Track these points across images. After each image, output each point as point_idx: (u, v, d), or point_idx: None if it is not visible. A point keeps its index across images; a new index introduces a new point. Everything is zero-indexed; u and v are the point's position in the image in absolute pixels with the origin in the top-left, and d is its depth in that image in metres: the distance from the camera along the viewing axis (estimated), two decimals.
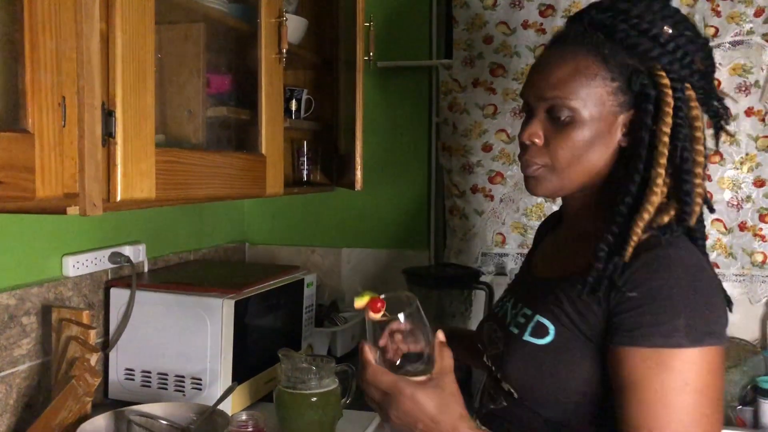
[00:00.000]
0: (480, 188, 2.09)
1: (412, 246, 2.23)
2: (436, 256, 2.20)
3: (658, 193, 0.95)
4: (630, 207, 0.96)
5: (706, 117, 1.03)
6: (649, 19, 0.98)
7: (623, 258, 0.93)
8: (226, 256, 2.23)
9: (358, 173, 1.84)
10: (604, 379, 0.95)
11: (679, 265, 0.93)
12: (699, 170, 0.97)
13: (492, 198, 2.09)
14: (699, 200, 0.98)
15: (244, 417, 1.25)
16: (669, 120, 0.95)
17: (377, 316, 0.95)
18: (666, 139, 0.95)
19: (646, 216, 0.95)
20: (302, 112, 1.93)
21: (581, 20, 1.03)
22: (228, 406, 1.43)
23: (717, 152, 1.90)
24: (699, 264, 0.95)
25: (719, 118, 1.03)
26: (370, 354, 0.96)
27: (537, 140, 1.03)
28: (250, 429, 1.23)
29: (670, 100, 0.95)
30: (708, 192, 1.87)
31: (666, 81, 0.96)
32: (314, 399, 1.33)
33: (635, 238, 0.94)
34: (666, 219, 0.96)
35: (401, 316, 0.96)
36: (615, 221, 0.96)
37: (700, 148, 0.97)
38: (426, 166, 2.21)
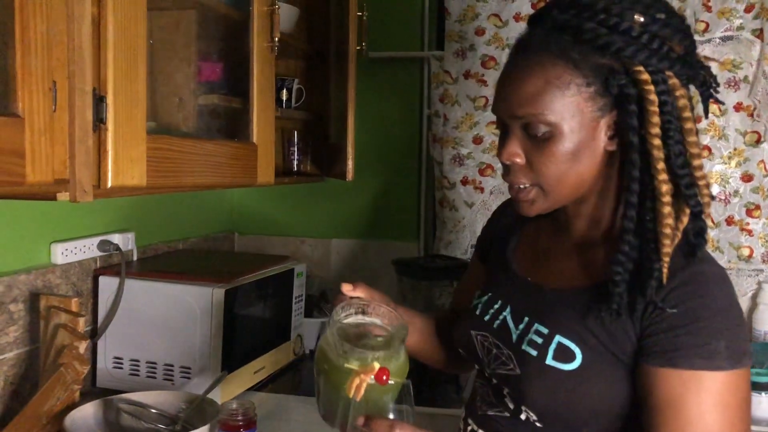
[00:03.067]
0: (470, 180, 2.10)
1: (401, 237, 2.23)
2: (426, 248, 2.21)
3: (668, 203, 0.87)
4: (634, 220, 0.90)
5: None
6: (617, 11, 0.87)
7: (661, 282, 0.88)
8: (215, 245, 2.22)
9: (349, 164, 1.84)
10: (633, 396, 0.92)
11: (715, 283, 0.91)
12: (698, 162, 0.89)
13: (482, 190, 2.09)
14: (706, 191, 0.91)
15: (234, 406, 1.24)
16: (657, 119, 0.87)
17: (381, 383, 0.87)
18: (657, 141, 0.87)
19: (668, 231, 0.87)
20: (293, 101, 1.92)
21: (543, 22, 0.92)
22: (217, 395, 1.43)
23: (706, 146, 1.91)
24: (728, 279, 0.93)
25: (707, 86, 0.93)
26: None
27: (518, 159, 0.94)
28: (240, 418, 1.22)
29: (654, 98, 0.87)
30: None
31: (646, 77, 0.87)
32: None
33: (666, 260, 0.87)
34: (685, 221, 0.89)
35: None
36: (625, 240, 0.90)
37: (694, 139, 0.89)
38: (417, 158, 2.21)
